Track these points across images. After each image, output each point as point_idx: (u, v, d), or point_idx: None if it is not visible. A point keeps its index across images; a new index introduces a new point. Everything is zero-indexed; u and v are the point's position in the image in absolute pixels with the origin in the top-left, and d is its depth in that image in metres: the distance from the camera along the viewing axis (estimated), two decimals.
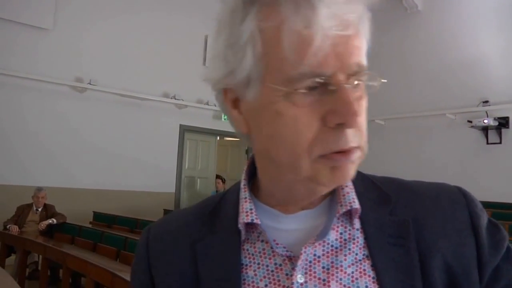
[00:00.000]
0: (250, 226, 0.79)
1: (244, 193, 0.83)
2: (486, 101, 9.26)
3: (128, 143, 9.94)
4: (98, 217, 8.56)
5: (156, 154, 10.35)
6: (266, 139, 0.74)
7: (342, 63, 0.68)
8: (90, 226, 7.79)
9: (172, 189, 10.81)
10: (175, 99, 10.73)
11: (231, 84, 0.77)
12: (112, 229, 7.24)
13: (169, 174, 10.75)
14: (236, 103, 0.79)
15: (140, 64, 10.27)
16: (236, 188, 0.87)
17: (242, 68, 0.72)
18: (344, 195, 0.78)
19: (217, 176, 10.14)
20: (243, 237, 0.80)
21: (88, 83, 9.46)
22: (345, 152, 0.69)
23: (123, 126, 10.00)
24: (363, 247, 0.77)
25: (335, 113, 0.68)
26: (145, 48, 10.36)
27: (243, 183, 0.85)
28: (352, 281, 0.74)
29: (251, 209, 0.79)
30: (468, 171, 9.23)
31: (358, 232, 0.78)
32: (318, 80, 0.67)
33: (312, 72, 0.67)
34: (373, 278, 0.74)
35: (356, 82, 0.70)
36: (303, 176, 0.72)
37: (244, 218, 0.79)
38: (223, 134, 11.95)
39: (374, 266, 0.75)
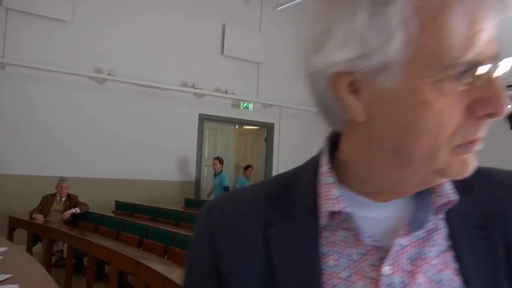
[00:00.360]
0: (333, 213, 0.74)
1: (328, 178, 0.76)
2: (510, 86, 9.22)
3: (148, 133, 10.06)
4: (120, 206, 8.69)
5: (175, 143, 10.46)
6: (399, 130, 0.67)
7: (496, 50, 0.64)
8: (112, 215, 7.93)
9: (192, 178, 10.92)
10: (194, 88, 10.80)
11: (357, 67, 0.67)
12: (134, 218, 7.37)
13: (189, 163, 10.87)
14: (354, 88, 0.69)
15: (158, 54, 10.36)
16: (308, 171, 0.82)
17: (383, 51, 0.64)
18: (440, 185, 0.73)
19: (215, 158, 10.12)
20: (322, 224, 0.74)
21: (108, 74, 9.59)
22: (473, 142, 0.66)
23: (143, 116, 10.11)
24: (447, 238, 0.74)
25: (484, 103, 0.63)
26: (163, 38, 10.44)
27: (326, 166, 0.78)
28: (437, 273, 0.71)
29: (339, 197, 0.73)
30: (489, 158, 9.20)
31: (442, 222, 0.75)
32: (474, 68, 0.62)
33: (474, 59, 0.61)
34: (456, 270, 0.71)
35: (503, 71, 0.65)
36: (434, 168, 0.67)
37: (331, 206, 0.73)
38: (242, 122, 12.01)
39: (457, 258, 0.72)
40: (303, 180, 0.81)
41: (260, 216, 0.78)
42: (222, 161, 10.06)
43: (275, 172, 12.29)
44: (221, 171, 9.93)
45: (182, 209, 8.27)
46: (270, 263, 0.73)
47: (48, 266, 6.51)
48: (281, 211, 0.78)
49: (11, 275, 2.88)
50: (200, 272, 0.79)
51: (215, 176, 10.06)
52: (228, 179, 9.91)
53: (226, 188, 9.51)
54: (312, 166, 0.82)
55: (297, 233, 0.75)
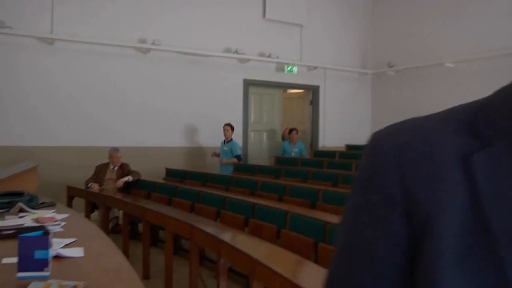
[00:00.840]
0: None
1: None
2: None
3: (193, 101, 10.18)
4: (170, 173, 8.88)
5: (221, 110, 10.55)
6: None
7: None
8: (163, 182, 8.13)
9: (239, 143, 11.04)
10: (237, 53, 10.82)
11: None
12: (185, 184, 7.53)
13: (236, 130, 10.96)
14: None
15: (201, 21, 10.38)
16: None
17: None
18: None
19: (226, 124, 9.75)
20: None
21: (152, 44, 9.70)
22: None
23: (187, 84, 10.23)
24: None
25: None
26: (205, 5, 10.45)
27: None
28: None
29: None
30: None
31: None
32: None
33: None
34: None
35: None
36: None
37: None
38: (286, 86, 11.99)
39: None
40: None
41: (456, 142, 0.68)
42: (233, 128, 9.76)
43: (321, 134, 12.27)
44: (231, 139, 9.69)
45: (231, 174, 8.41)
46: (474, 192, 0.63)
47: (105, 232, 6.75)
48: (482, 138, 0.67)
49: (76, 239, 3.04)
50: (382, 204, 0.67)
51: (224, 143, 9.73)
52: (239, 148, 9.71)
53: (238, 157, 9.47)
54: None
55: (509, 161, 0.64)
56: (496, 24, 9.85)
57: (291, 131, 10.84)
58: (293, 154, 10.39)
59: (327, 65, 12.06)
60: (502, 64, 9.54)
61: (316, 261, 3.87)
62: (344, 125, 12.51)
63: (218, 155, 9.65)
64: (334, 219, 4.37)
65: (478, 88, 10.16)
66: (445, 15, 10.96)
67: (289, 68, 11.56)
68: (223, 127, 9.63)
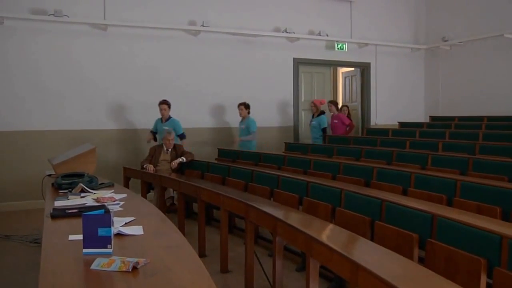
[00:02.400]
0: None
1: None
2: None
3: (244, 81, 10.19)
4: (223, 153, 8.93)
5: (272, 89, 10.53)
6: None
7: None
8: (216, 162, 8.19)
9: (290, 122, 11.00)
10: (287, 32, 10.73)
11: None
12: (238, 164, 7.56)
13: (286, 108, 10.93)
14: None
15: (249, 1, 10.39)
16: None
17: None
18: None
19: (240, 103, 9.42)
20: None
21: (201, 26, 9.73)
22: None
23: (238, 65, 10.26)
24: None
25: None
26: None
27: None
28: None
29: None
30: None
31: None
32: None
33: None
34: None
35: None
36: None
37: None
38: (337, 64, 11.84)
39: None
40: None
41: None
42: (249, 106, 9.45)
43: (373, 112, 12.10)
44: (247, 117, 9.42)
45: (283, 153, 8.39)
46: None
47: (162, 211, 6.87)
48: None
49: (135, 218, 3.11)
50: None
51: (241, 121, 9.54)
52: (255, 124, 9.40)
53: (253, 133, 9.31)
54: None
55: None
56: None
57: (341, 108, 10.80)
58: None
59: (378, 42, 11.83)
60: None
61: (372, 239, 3.84)
62: (396, 103, 12.28)
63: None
64: (389, 196, 4.31)
65: None
66: None
67: (339, 45, 11.40)
68: (238, 106, 9.41)
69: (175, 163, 7.52)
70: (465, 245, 3.06)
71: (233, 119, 9.89)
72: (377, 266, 2.61)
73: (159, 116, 8.59)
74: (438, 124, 10.37)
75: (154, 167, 7.62)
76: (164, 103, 8.56)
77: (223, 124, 10.13)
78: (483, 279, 2.83)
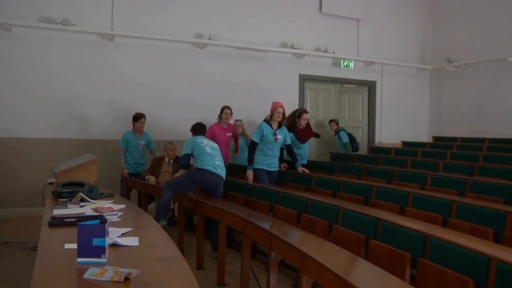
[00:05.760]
0: None
1: None
2: None
3: (249, 95, 10.26)
4: (230, 167, 8.94)
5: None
6: None
7: None
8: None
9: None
10: (293, 48, 10.83)
11: None
12: (239, 179, 7.61)
13: None
14: None
15: (256, 16, 10.51)
16: None
17: None
18: None
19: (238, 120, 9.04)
20: None
21: (208, 39, 9.86)
22: None
23: (243, 79, 10.37)
24: None
25: None
26: (260, 0, 10.54)
27: None
28: None
29: None
30: None
31: None
32: None
33: None
34: None
35: None
36: None
37: None
38: (343, 81, 11.90)
39: None
40: None
41: None
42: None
43: (378, 131, 12.16)
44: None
45: (286, 169, 8.42)
46: None
47: None
48: None
49: (131, 229, 3.17)
50: None
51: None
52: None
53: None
54: None
55: None
56: None
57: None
58: None
59: (384, 60, 11.92)
60: None
61: (366, 257, 3.89)
62: (401, 122, 12.35)
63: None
64: (386, 215, 4.37)
65: None
66: (507, 9, 10.65)
67: (345, 63, 11.51)
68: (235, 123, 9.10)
69: (177, 176, 7.57)
70: (455, 265, 3.11)
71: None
72: (366, 285, 2.67)
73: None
74: (441, 144, 10.44)
75: (156, 178, 7.68)
76: (144, 116, 8.40)
77: None
78: None
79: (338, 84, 11.91)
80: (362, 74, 11.89)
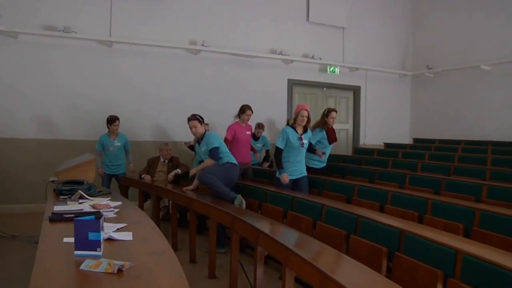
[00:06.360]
0: None
1: None
2: None
3: (240, 100, 10.25)
4: None
5: (267, 108, 10.64)
6: None
7: None
8: None
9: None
10: (282, 55, 10.91)
11: None
12: None
13: (279, 127, 11.05)
14: None
15: (247, 24, 10.59)
16: None
17: None
18: None
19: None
20: None
21: (201, 45, 9.92)
22: None
23: (235, 83, 10.43)
24: None
25: None
26: (251, 8, 10.64)
27: None
28: None
29: None
30: None
31: None
32: None
33: None
34: None
35: None
36: None
37: None
38: (329, 86, 11.97)
39: None
40: None
41: None
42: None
43: (362, 131, 12.26)
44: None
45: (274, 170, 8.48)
46: None
47: (157, 219, 6.98)
48: None
49: (126, 224, 3.23)
50: None
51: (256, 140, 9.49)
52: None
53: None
54: None
55: None
56: None
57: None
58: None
59: (368, 67, 12.03)
60: None
61: (347, 251, 3.96)
62: (384, 124, 12.46)
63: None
64: (366, 213, 4.44)
65: None
66: (481, 20, 10.82)
67: (331, 69, 11.59)
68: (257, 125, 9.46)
69: (171, 175, 7.61)
70: (427, 258, 3.20)
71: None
72: (343, 277, 2.74)
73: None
74: (420, 146, 10.57)
75: (152, 177, 7.73)
76: (118, 119, 8.15)
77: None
78: None
79: (324, 89, 11.99)
80: (347, 79, 11.98)
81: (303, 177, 6.57)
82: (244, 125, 7.75)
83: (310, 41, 11.40)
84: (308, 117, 6.55)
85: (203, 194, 6.23)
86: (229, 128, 7.50)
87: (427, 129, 12.30)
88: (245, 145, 7.70)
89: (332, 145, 7.71)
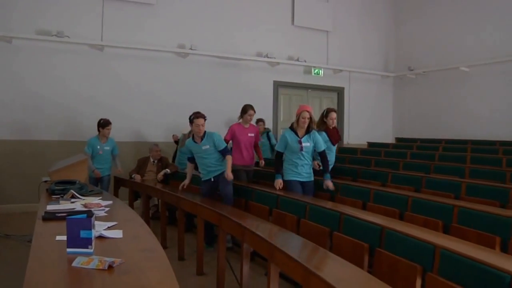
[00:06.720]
0: None
1: None
2: None
3: (228, 101, 10.34)
4: None
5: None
6: None
7: None
8: (198, 174, 8.28)
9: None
10: (268, 57, 10.96)
11: None
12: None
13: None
14: None
15: (234, 28, 10.64)
16: None
17: None
18: None
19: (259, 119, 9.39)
20: None
21: (190, 49, 9.95)
22: None
23: (222, 85, 10.48)
24: None
25: None
26: (238, 12, 10.70)
27: None
28: None
29: None
30: None
31: None
32: None
33: None
34: None
35: None
36: None
37: None
38: (314, 87, 12.04)
39: None
40: None
41: None
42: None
43: (346, 131, 12.34)
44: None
45: (261, 169, 8.49)
46: None
47: (146, 218, 7.00)
48: None
49: (116, 223, 3.25)
50: None
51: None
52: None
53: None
54: None
55: None
56: (509, 31, 9.86)
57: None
58: None
59: (351, 69, 12.12)
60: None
61: (331, 248, 4.01)
62: (367, 124, 12.55)
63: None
64: (350, 210, 4.49)
65: (491, 91, 10.20)
66: (460, 22, 10.96)
67: (316, 71, 11.67)
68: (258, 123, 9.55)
69: (160, 175, 7.63)
70: (407, 254, 3.25)
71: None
72: (326, 272, 2.78)
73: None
74: (402, 145, 10.66)
75: (141, 177, 7.74)
76: (111, 123, 7.89)
77: None
78: (418, 284, 3.01)
79: (309, 90, 12.05)
80: (331, 80, 12.06)
81: (310, 181, 6.10)
82: (247, 126, 7.22)
83: (295, 44, 11.46)
84: (311, 118, 6.01)
85: (192, 193, 6.26)
86: (229, 129, 7.26)
87: (409, 129, 12.41)
88: (246, 147, 7.14)
89: (335, 146, 7.07)
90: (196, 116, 6.06)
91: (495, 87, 10.25)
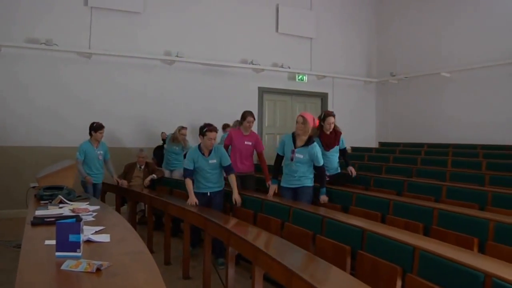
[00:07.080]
0: None
1: None
2: None
3: (214, 107, 10.40)
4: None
5: (238, 115, 10.64)
6: None
7: None
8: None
9: None
10: (253, 64, 11.04)
11: None
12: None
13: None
14: None
15: (219, 36, 10.72)
16: None
17: None
18: None
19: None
20: None
21: (176, 56, 10.01)
22: None
23: (208, 92, 10.54)
24: None
25: None
26: (223, 21, 10.77)
27: None
28: None
29: None
30: None
31: None
32: None
33: None
34: None
35: None
36: None
37: None
38: (298, 93, 12.12)
39: None
40: None
41: None
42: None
43: None
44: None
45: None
46: None
47: (133, 223, 7.00)
48: None
49: (104, 227, 3.29)
50: None
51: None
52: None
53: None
54: None
55: None
56: (488, 37, 10.01)
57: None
58: None
59: (335, 74, 12.24)
60: (492, 74, 9.89)
61: (314, 250, 4.07)
62: (351, 129, 12.59)
63: None
64: (331, 214, 4.56)
65: (472, 95, 10.36)
66: (441, 28, 11.11)
67: (300, 77, 11.78)
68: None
69: (147, 180, 7.65)
70: (387, 255, 3.32)
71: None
72: (309, 274, 2.85)
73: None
74: (385, 149, 10.76)
75: (128, 182, 7.75)
76: (104, 127, 7.53)
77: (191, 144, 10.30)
78: (399, 284, 3.09)
79: (293, 96, 12.14)
80: (315, 86, 12.16)
81: (302, 187, 5.70)
82: (246, 133, 6.74)
83: (280, 51, 11.56)
84: (304, 124, 5.57)
85: (177, 198, 6.29)
86: (228, 133, 7.05)
87: (392, 133, 12.53)
88: (242, 154, 6.70)
89: (331, 152, 6.54)
90: (209, 129, 5.61)
91: (475, 92, 10.39)
